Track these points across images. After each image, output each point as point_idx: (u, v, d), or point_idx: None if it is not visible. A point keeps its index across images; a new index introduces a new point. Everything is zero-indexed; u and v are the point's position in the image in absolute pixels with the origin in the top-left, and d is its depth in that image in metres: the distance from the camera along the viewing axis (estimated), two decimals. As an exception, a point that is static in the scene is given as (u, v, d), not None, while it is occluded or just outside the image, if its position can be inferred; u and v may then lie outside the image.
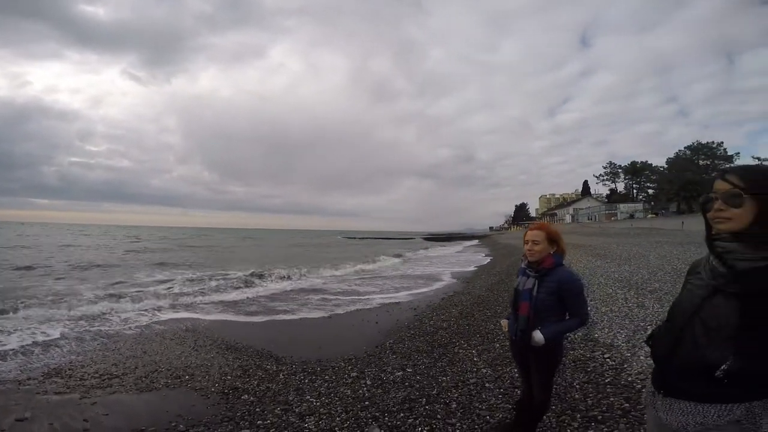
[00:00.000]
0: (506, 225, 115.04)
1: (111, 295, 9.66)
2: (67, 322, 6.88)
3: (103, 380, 4.34)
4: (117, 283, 12.48)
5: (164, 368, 4.72)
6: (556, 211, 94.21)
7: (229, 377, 4.38)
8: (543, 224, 2.48)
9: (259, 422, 3.28)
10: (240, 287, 11.80)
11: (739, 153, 52.66)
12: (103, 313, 7.79)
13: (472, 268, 17.32)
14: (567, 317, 2.29)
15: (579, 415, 2.93)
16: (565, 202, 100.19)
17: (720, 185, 1.20)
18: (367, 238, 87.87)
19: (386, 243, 56.15)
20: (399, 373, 4.24)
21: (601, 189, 79.12)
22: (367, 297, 10.26)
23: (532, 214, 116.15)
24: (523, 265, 2.46)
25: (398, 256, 26.41)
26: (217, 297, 10.25)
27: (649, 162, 63.19)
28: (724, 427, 1.19)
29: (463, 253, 30.46)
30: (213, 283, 12.25)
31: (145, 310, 8.32)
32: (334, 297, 10.27)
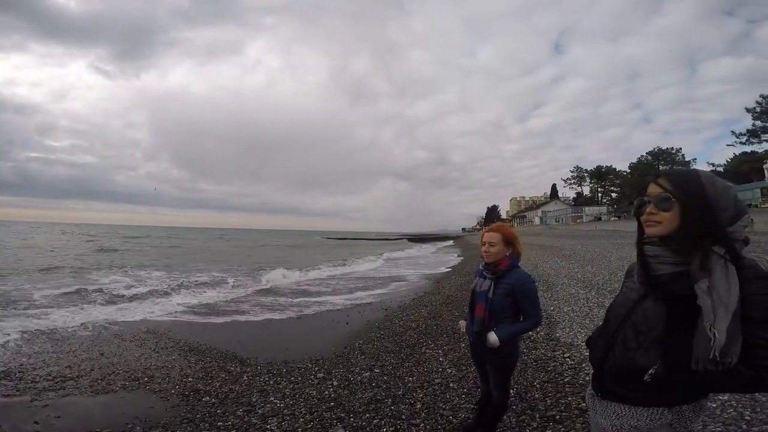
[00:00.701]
0: (478, 226, 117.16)
1: (65, 295, 9.21)
2: (16, 324, 6.48)
3: (56, 382, 4.16)
4: (71, 283, 11.84)
5: (122, 370, 4.55)
6: (525, 214, 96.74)
7: (191, 379, 4.26)
8: (499, 226, 2.50)
9: (219, 424, 3.21)
10: (205, 289, 11.46)
11: (695, 159, 56.01)
12: (53, 315, 7.37)
13: (443, 269, 17.51)
14: (522, 318, 2.34)
15: (538, 415, 3.00)
16: (534, 205, 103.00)
17: (652, 189, 1.19)
18: (346, 238, 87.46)
19: (364, 244, 56.11)
20: (366, 374, 4.24)
21: (568, 192, 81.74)
22: (339, 297, 10.20)
23: (503, 216, 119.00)
24: (480, 267, 2.49)
25: (375, 256, 26.46)
26: (180, 299, 9.90)
27: (614, 167, 66.03)
28: (656, 430, 1.19)
29: (437, 254, 30.85)
30: (176, 284, 11.88)
31: (101, 311, 7.98)
32: (305, 298, 10.15)
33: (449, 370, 4.13)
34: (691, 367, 1.06)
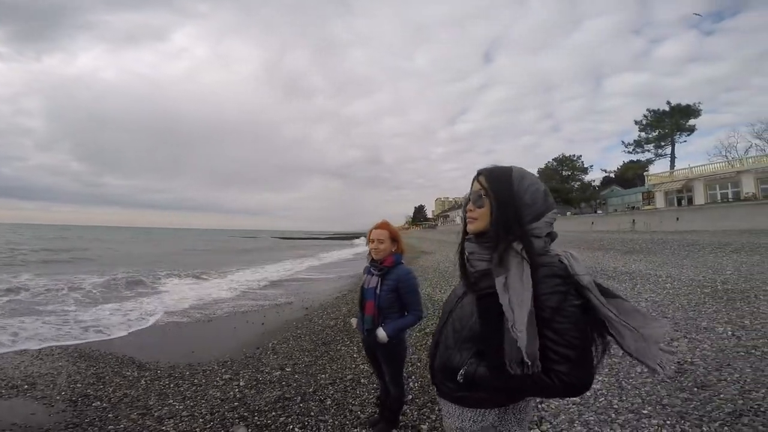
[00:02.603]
0: (406, 225, 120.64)
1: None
2: None
3: None
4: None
5: (-6, 379, 4.06)
6: (448, 213, 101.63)
7: (80, 385, 3.94)
8: (386, 224, 2.58)
9: (110, 427, 3.04)
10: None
11: (592, 165, 63.14)
12: None
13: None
14: (406, 314, 2.47)
15: (437, 407, 3.13)
16: (457, 205, 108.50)
17: (474, 186, 1.18)
18: (290, 238, 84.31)
19: (297, 243, 54.70)
20: (277, 373, 4.21)
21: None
22: (256, 299, 9.98)
23: (429, 215, 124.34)
24: (367, 264, 2.59)
25: (302, 256, 26.11)
26: (72, 301, 9.01)
27: (526, 171, 72.51)
28: None
29: (367, 252, 31.15)
30: (63, 286, 10.75)
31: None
32: (219, 302, 9.78)
33: (362, 366, 4.22)
34: (506, 368, 1.02)
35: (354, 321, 2.68)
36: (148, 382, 4.06)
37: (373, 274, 2.49)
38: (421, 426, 2.86)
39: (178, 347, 5.52)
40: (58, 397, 3.64)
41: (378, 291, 2.42)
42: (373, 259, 2.52)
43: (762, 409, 2.56)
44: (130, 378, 4.16)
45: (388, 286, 2.42)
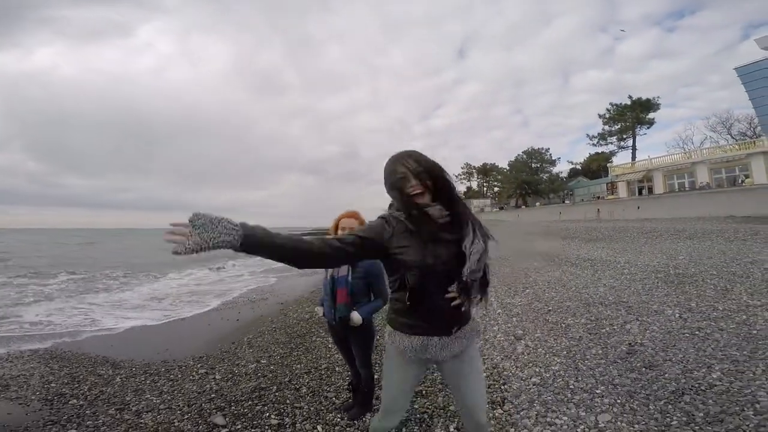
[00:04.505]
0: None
1: None
2: None
3: None
4: None
5: (-37, 383, 3.99)
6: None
7: (54, 385, 3.94)
8: (355, 213, 2.66)
9: (89, 422, 3.09)
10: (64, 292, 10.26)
11: (560, 158, 65.68)
12: None
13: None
14: (373, 298, 2.66)
15: None
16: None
17: None
18: None
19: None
20: (252, 366, 4.31)
21: (460, 187, 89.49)
22: (228, 296, 10.03)
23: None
24: None
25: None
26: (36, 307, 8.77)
27: (497, 164, 74.09)
28: None
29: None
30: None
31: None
32: (190, 299, 9.79)
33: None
34: None
35: (320, 309, 2.79)
36: (124, 379, 4.10)
37: None
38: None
39: (152, 345, 5.53)
40: (33, 397, 3.64)
41: (349, 279, 2.57)
42: None
43: (702, 388, 2.76)
44: (105, 376, 4.18)
45: (358, 274, 2.58)
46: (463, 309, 1.49)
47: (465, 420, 1.69)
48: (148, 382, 4.01)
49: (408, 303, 1.50)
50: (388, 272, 1.56)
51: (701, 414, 2.44)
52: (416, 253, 1.44)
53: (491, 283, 1.54)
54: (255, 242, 1.19)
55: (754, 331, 3.78)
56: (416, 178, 1.46)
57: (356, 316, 2.53)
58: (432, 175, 1.48)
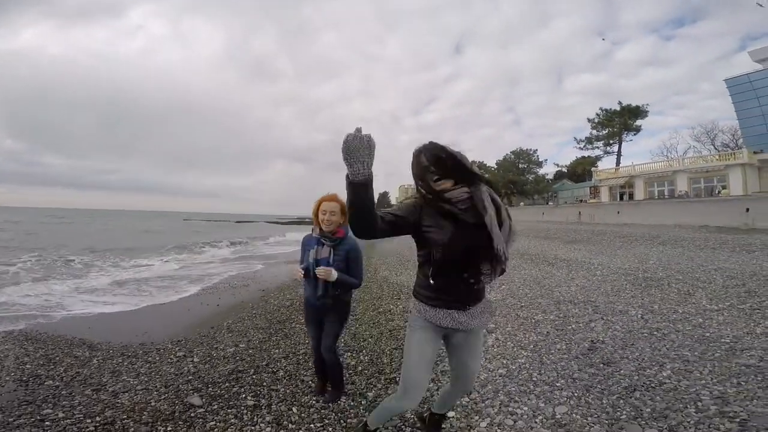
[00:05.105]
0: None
1: None
2: None
3: None
4: None
5: (-67, 362, 3.96)
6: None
7: (29, 366, 3.94)
8: (336, 196, 2.68)
9: (65, 403, 3.12)
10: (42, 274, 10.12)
11: (547, 159, 66.66)
12: None
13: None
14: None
15: (383, 377, 3.44)
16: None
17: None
18: (249, 221, 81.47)
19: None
20: (231, 349, 4.37)
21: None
22: (208, 281, 10.04)
23: (393, 201, 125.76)
24: (315, 235, 2.72)
25: (262, 239, 25.90)
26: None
27: (485, 162, 75.00)
28: None
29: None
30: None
31: None
32: (171, 283, 9.78)
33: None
34: None
35: (299, 273, 2.71)
36: (101, 361, 4.12)
37: (324, 245, 2.68)
38: (368, 393, 3.15)
39: (130, 328, 5.55)
40: (7, 378, 3.64)
41: (331, 261, 2.65)
42: (321, 230, 2.67)
43: (652, 385, 2.92)
44: (82, 358, 4.20)
45: (340, 256, 2.67)
46: (475, 287, 1.75)
47: (456, 385, 2.07)
48: (125, 363, 4.05)
49: (431, 277, 1.74)
50: (418, 247, 1.80)
51: (648, 410, 2.61)
52: (440, 232, 1.66)
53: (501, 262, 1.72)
54: (371, 184, 1.43)
55: (707, 334, 4.04)
56: (437, 167, 1.68)
57: (334, 273, 2.58)
58: (452, 164, 1.69)
